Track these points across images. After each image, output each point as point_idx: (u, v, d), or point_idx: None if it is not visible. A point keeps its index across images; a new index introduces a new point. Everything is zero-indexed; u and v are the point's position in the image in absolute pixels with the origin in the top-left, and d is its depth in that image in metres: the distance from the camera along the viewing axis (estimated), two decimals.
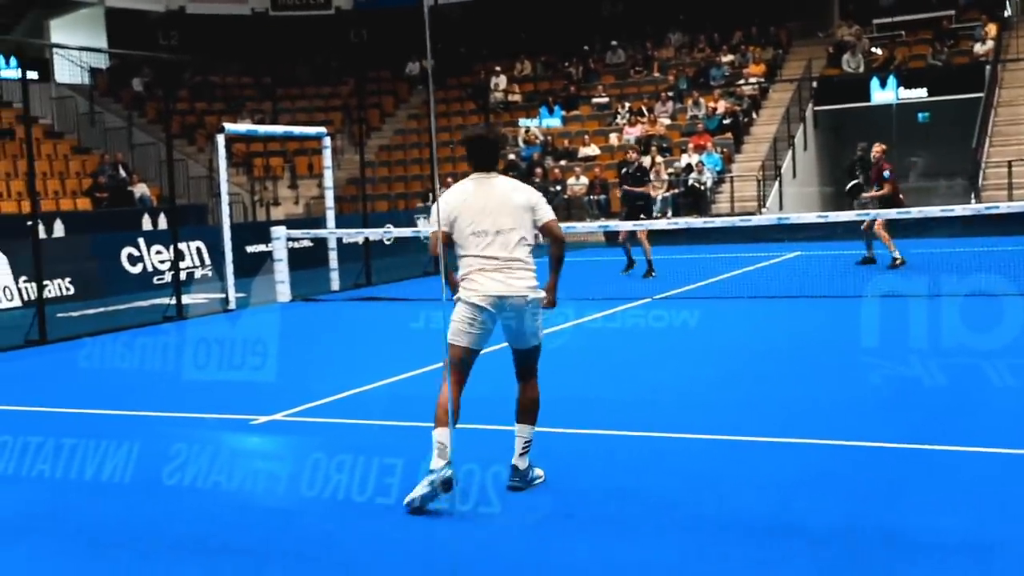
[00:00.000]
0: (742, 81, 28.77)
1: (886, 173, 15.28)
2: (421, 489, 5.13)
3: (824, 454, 6.08)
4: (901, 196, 15.56)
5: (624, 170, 16.58)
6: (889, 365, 8.16)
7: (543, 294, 5.57)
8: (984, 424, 6.58)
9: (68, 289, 16.00)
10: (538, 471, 5.62)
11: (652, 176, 24.82)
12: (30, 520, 5.56)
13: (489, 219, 5.47)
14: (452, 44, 32.48)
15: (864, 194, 16.22)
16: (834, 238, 19.32)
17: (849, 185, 17.11)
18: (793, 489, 5.44)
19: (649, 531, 4.93)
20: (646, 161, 25.11)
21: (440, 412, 5.29)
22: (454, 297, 5.56)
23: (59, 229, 18.95)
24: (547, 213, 5.64)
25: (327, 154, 17.13)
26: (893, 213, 14.16)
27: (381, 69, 33.36)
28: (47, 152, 24.27)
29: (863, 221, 14.79)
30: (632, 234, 15.57)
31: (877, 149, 15.72)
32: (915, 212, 13.97)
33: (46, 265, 12.83)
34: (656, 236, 19.37)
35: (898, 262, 14.82)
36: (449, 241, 5.55)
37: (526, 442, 5.52)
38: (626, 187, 16.21)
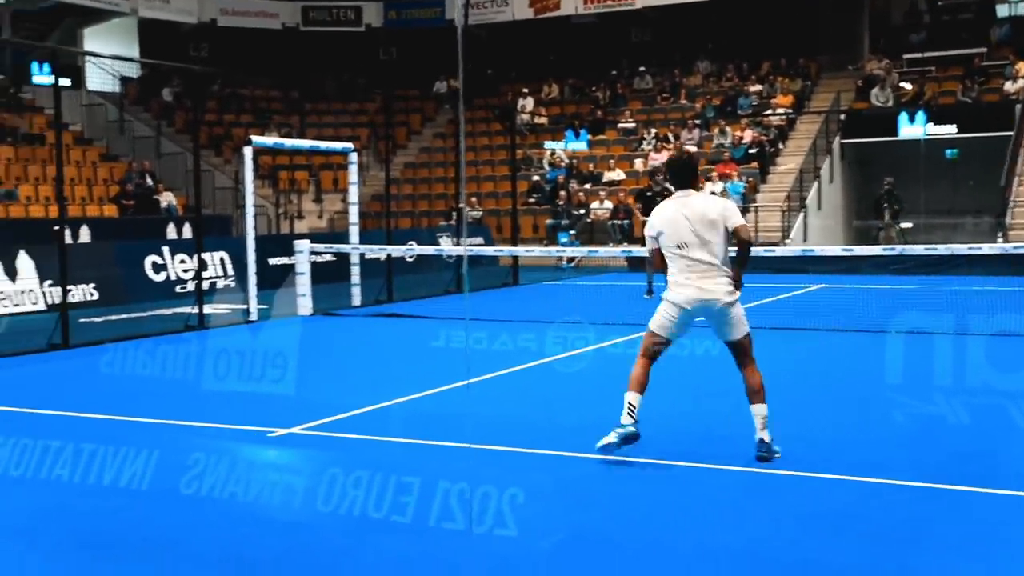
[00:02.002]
0: (769, 111, 28.75)
1: None
2: (610, 438, 6.32)
3: (843, 489, 6.02)
4: None
5: (648, 193, 16.66)
6: (912, 402, 8.09)
7: (738, 294, 6.53)
8: (1008, 466, 6.50)
9: (92, 294, 16.10)
10: (776, 447, 6.43)
11: None
12: (45, 523, 5.57)
13: (688, 232, 6.43)
14: (480, 65, 32.62)
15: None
16: (859, 271, 19.22)
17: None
18: (811, 523, 5.38)
19: (665, 560, 4.89)
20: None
21: (633, 381, 6.50)
22: (663, 295, 6.61)
23: (85, 235, 19.08)
24: (737, 219, 6.54)
25: (353, 169, 17.19)
26: (920, 249, 14.09)
27: (409, 87, 33.54)
28: (76, 158, 24.48)
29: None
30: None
31: None
32: (942, 249, 13.89)
33: (71, 270, 12.91)
34: None
35: None
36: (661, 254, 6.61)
37: (763, 418, 6.47)
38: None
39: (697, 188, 6.77)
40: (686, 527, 5.37)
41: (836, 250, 15.47)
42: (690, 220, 6.45)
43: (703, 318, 6.56)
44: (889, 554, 4.90)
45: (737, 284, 6.56)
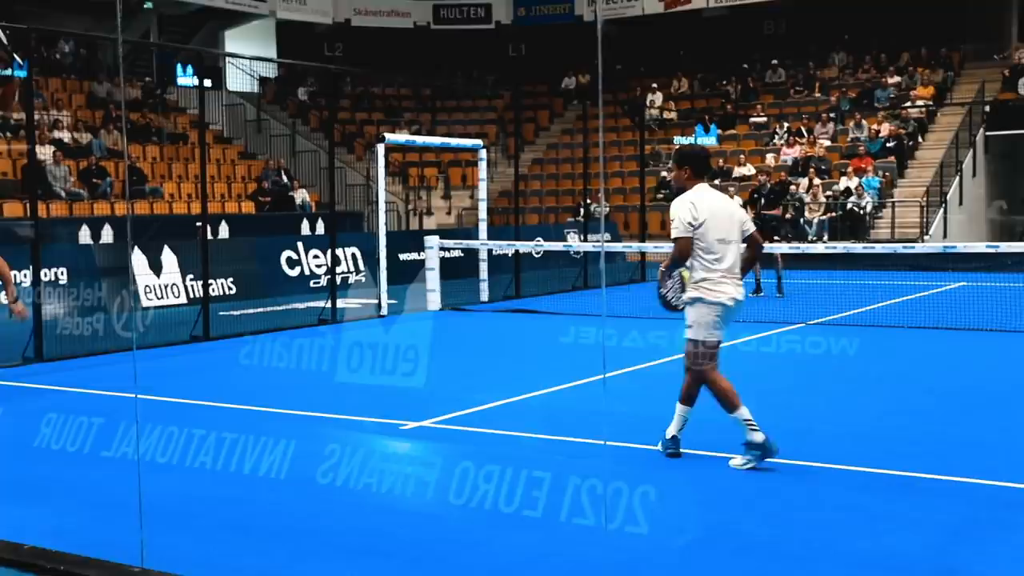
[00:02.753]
0: (909, 103, 27.82)
1: None
2: (745, 461, 6.20)
3: (990, 495, 5.79)
4: None
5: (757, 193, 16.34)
6: None
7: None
8: None
9: (230, 288, 16.65)
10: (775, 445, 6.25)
11: (809, 198, 24.27)
12: (188, 506, 5.79)
13: (729, 228, 6.35)
14: (609, 60, 32.46)
15: None
16: (1003, 269, 18.44)
17: None
18: (956, 530, 5.19)
19: (796, 562, 4.79)
20: (802, 183, 24.56)
21: (729, 397, 6.25)
22: (693, 297, 6.33)
23: (224, 231, 19.74)
24: (751, 225, 6.56)
25: (483, 166, 17.33)
26: None
27: (537, 83, 33.64)
28: (216, 156, 25.33)
29: None
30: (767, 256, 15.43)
31: None
32: None
33: (211, 265, 13.39)
34: (812, 260, 18.92)
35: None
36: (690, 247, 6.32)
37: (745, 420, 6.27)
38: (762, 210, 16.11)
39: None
40: (818, 529, 5.24)
41: (979, 247, 14.85)
42: (730, 216, 6.38)
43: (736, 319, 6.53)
44: None
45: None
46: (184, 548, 5.15)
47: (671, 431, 6.46)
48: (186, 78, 28.35)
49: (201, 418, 7.93)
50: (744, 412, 6.19)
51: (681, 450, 6.41)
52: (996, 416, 7.85)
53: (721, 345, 6.41)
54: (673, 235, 6.28)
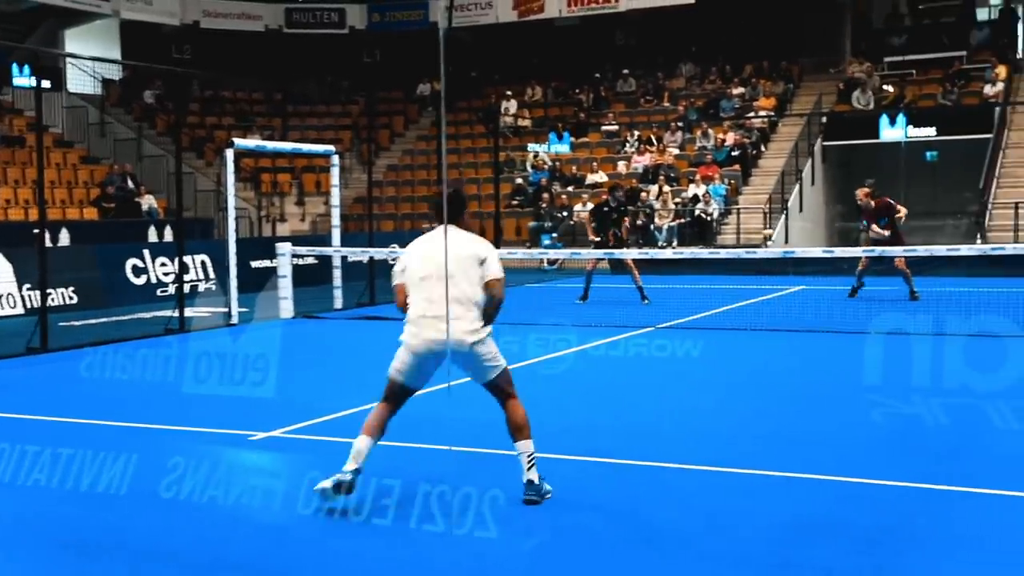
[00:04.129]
0: (752, 114, 28.86)
1: (892, 210, 15.44)
2: (325, 483, 5.48)
3: (824, 490, 6.06)
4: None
5: (604, 208, 16.18)
6: (892, 403, 8.14)
7: (484, 333, 5.69)
8: (986, 465, 6.55)
9: (71, 298, 16.02)
10: (547, 485, 5.73)
11: (659, 205, 24.90)
12: (23, 527, 5.55)
13: (435, 266, 5.61)
14: (463, 68, 32.62)
15: (875, 233, 16.00)
16: (839, 273, 19.31)
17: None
18: (791, 524, 5.41)
19: (646, 560, 4.91)
20: (652, 191, 25.17)
21: (368, 424, 5.74)
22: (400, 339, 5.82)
23: (64, 238, 18.98)
24: (496, 271, 5.75)
25: (335, 172, 17.16)
26: (899, 251, 14.21)
27: (392, 90, 33.52)
28: (56, 161, 24.34)
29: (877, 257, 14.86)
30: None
31: (861, 193, 15.78)
32: (921, 251, 13.99)
33: (50, 274, 12.85)
34: (661, 265, 19.42)
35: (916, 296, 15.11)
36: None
37: (529, 456, 5.68)
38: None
39: (463, 224, 5.96)
40: (664, 527, 5.39)
41: (817, 252, 15.53)
42: (440, 256, 5.60)
43: (457, 362, 5.71)
44: (869, 553, 4.92)
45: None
46: (17, 571, 4.93)
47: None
48: (23, 78, 27.12)
49: (36, 434, 7.61)
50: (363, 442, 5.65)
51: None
52: (833, 413, 8.21)
53: (415, 392, 6.00)
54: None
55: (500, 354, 5.79)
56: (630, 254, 15.63)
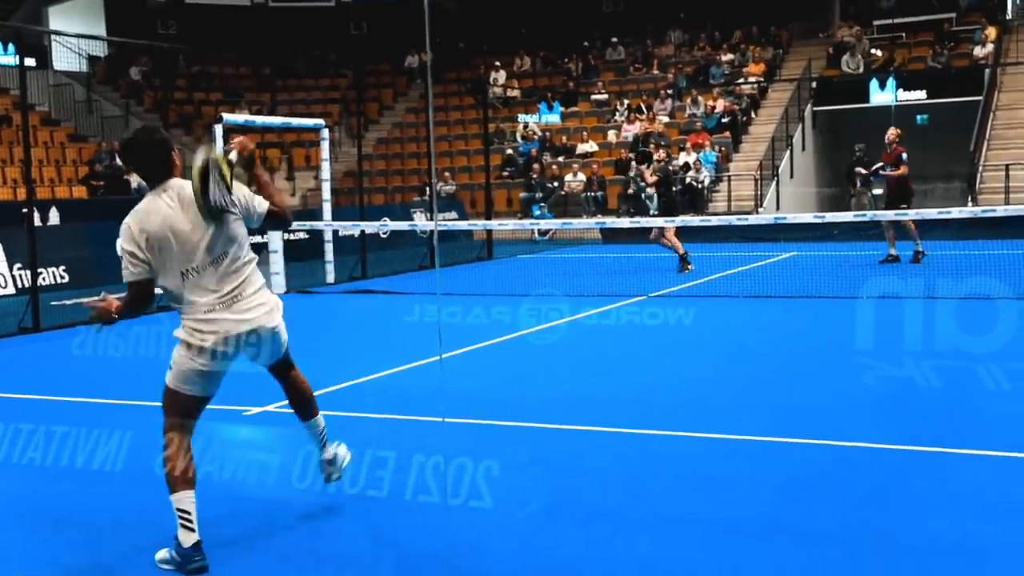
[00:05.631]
0: (741, 80, 28.77)
1: (904, 155, 15.56)
2: (167, 562, 4.59)
3: (816, 454, 6.09)
4: (911, 184, 15.86)
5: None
6: (884, 366, 8.16)
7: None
8: (978, 427, 6.58)
9: (63, 277, 15.97)
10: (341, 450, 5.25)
11: (647, 172, 24.85)
12: (21, 505, 5.55)
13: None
14: (451, 38, 32.45)
15: (882, 171, 16.12)
16: (831, 239, 19.33)
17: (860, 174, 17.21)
18: (785, 489, 5.43)
19: (642, 528, 4.93)
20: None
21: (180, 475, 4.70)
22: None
23: (54, 217, 18.89)
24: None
25: (324, 146, 17.09)
26: (891, 215, 14.21)
27: (380, 62, 33.32)
28: (44, 139, 24.20)
29: (878, 221, 14.96)
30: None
31: (893, 133, 15.96)
32: (912, 214, 14.01)
33: (41, 253, 12.80)
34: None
35: (921, 255, 15.32)
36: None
37: (323, 431, 5.27)
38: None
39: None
40: (661, 495, 5.41)
41: (808, 217, 15.53)
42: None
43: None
44: (861, 515, 4.95)
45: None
46: (15, 548, 4.94)
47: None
48: (7, 57, 26.90)
49: (31, 413, 7.61)
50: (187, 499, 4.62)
51: (524, 423, 6.41)
52: (826, 378, 8.24)
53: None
54: None
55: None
56: (622, 222, 15.61)
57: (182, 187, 4.61)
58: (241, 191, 4.72)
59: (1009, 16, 29.08)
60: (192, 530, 4.55)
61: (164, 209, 4.59)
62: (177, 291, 4.77)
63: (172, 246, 4.61)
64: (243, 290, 4.74)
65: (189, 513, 4.57)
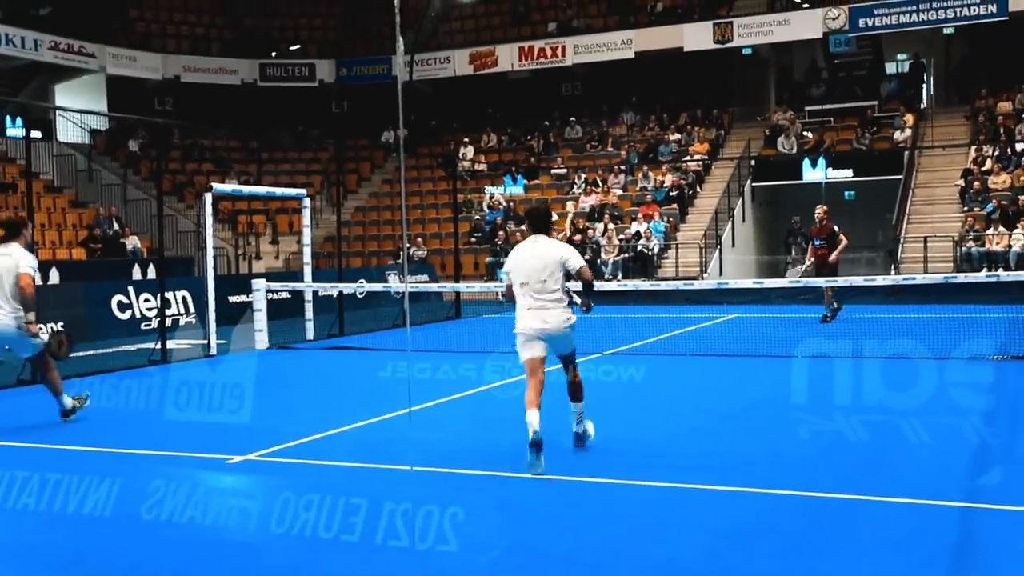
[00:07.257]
0: (687, 158, 29.16)
1: (836, 229, 15.83)
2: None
3: (757, 501, 6.08)
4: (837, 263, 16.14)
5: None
6: (817, 420, 8.20)
7: (573, 319, 7.11)
8: (901, 476, 6.61)
9: None
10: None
11: (604, 241, 25.03)
12: (12, 550, 5.41)
13: (530, 272, 6.97)
14: (424, 117, 32.77)
15: (830, 258, 16.03)
16: (768, 302, 19.50)
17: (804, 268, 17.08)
18: (730, 534, 5.41)
19: (595, 571, 4.88)
20: (598, 228, 25.29)
21: (528, 400, 6.89)
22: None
23: (54, 277, 18.68)
24: (578, 262, 7.00)
25: (307, 213, 17.08)
26: (822, 281, 14.39)
27: (359, 137, 33.50)
28: (47, 205, 24.02)
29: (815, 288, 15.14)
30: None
31: (821, 211, 16.16)
32: (841, 281, 14.17)
33: (40, 310, 12.59)
34: (607, 297, 19.47)
35: (829, 318, 15.48)
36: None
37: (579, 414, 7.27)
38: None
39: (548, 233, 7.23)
40: (613, 540, 5.37)
41: (748, 283, 15.67)
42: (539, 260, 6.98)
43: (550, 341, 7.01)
44: (796, 560, 4.94)
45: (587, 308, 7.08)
46: None
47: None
48: (15, 129, 26.78)
49: (26, 460, 7.45)
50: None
51: (487, 471, 6.41)
52: (765, 431, 8.25)
53: (534, 360, 6.99)
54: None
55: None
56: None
57: None
58: None
59: (924, 105, 29.82)
60: None
61: None
62: None
63: None
64: None
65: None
